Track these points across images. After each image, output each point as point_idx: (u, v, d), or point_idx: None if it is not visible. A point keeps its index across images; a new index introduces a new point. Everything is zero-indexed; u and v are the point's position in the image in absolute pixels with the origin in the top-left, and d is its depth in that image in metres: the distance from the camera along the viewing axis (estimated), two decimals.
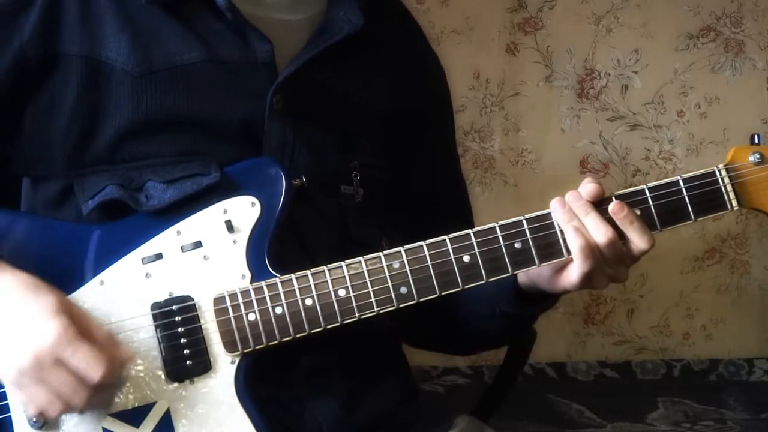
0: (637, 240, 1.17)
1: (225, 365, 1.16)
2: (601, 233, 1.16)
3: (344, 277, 1.16)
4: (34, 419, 1.12)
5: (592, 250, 1.16)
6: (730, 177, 1.19)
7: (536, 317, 1.35)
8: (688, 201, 1.18)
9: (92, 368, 1.07)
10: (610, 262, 1.17)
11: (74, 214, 1.23)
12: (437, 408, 1.39)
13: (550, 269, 1.21)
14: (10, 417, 1.14)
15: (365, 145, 1.32)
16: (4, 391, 1.14)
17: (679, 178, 1.19)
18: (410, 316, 1.27)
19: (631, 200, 1.18)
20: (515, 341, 1.53)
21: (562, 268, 1.19)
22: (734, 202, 1.19)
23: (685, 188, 1.19)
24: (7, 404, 1.15)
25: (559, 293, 1.23)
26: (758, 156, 1.19)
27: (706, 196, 1.19)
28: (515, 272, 1.18)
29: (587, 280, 1.17)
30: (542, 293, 1.25)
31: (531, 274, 1.23)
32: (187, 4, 1.25)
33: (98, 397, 1.10)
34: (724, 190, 1.19)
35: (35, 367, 1.07)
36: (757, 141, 1.20)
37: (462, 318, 1.36)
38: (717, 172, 1.19)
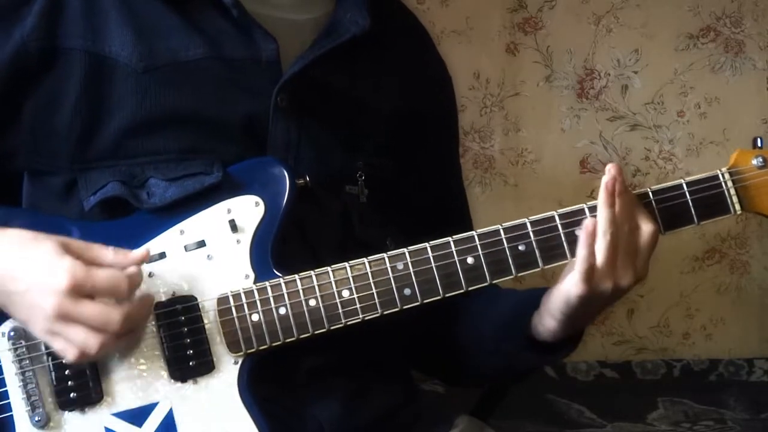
0: (645, 226, 1.16)
1: (228, 365, 1.16)
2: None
3: (348, 278, 1.16)
4: (76, 362, 1.10)
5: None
6: (733, 181, 1.19)
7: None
8: (691, 204, 1.18)
9: (117, 284, 1.07)
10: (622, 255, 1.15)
11: (79, 209, 1.22)
12: (437, 408, 1.39)
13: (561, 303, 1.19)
14: (11, 416, 1.15)
15: (370, 145, 1.31)
16: (6, 390, 1.15)
17: (682, 181, 1.18)
18: (423, 338, 1.27)
19: None
20: None
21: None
22: (737, 206, 1.19)
23: (689, 192, 1.18)
24: (9, 403, 1.15)
25: (568, 336, 1.23)
26: (761, 160, 1.19)
27: (710, 200, 1.18)
28: (518, 274, 1.18)
29: (589, 280, 1.16)
30: (558, 342, 1.24)
31: (546, 323, 1.22)
32: (193, 2, 1.24)
33: (134, 314, 1.10)
34: (727, 194, 1.19)
35: (62, 308, 1.06)
36: (759, 144, 1.20)
37: (471, 356, 1.36)
38: (720, 176, 1.19)
